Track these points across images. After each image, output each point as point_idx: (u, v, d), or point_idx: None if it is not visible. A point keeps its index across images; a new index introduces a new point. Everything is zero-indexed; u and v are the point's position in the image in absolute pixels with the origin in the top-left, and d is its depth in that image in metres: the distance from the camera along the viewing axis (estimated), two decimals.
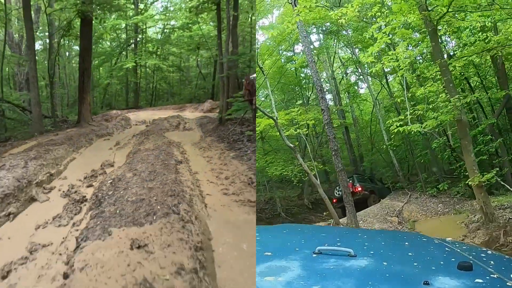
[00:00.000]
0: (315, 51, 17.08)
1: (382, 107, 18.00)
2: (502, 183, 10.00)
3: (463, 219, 9.67)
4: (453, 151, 12.13)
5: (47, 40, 12.69)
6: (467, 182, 8.43)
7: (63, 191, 4.24)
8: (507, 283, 1.31)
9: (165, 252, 2.02)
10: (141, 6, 19.45)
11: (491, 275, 1.37)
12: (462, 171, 11.41)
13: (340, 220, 9.75)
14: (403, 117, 9.39)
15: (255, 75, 5.97)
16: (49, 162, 5.26)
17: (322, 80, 22.07)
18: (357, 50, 16.42)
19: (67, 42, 15.99)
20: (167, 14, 18.61)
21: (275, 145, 18.14)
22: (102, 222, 2.74)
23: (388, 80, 15.88)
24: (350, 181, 13.15)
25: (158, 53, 20.33)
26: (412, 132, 9.98)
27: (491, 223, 7.88)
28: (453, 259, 1.59)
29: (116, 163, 5.52)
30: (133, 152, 5.94)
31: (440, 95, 8.64)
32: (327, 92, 20.34)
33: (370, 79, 17.64)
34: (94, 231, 2.58)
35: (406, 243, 2.04)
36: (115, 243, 2.26)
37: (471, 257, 1.65)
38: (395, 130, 9.19)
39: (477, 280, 1.31)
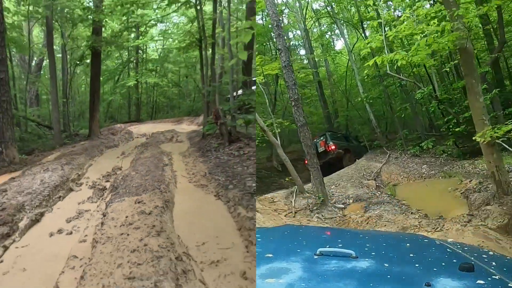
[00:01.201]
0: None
1: (358, 59, 16.96)
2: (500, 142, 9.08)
3: (455, 185, 8.65)
4: (440, 103, 11.04)
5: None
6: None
7: (89, 184, 6.63)
8: (509, 284, 1.36)
9: (150, 203, 4.42)
10: (142, 28, 22.27)
11: (493, 276, 1.42)
12: (451, 126, 10.42)
13: (307, 185, 8.96)
14: (376, 39, 8.21)
15: (221, 107, 8.40)
16: (76, 166, 7.70)
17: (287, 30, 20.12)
18: None
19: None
20: (166, 36, 21.28)
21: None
22: (118, 196, 5.14)
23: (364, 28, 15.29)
24: (323, 139, 12.76)
25: (158, 70, 23.01)
26: (395, 65, 8.36)
27: (506, 196, 6.22)
28: (454, 260, 1.64)
29: (123, 167, 7.93)
30: (135, 160, 8.37)
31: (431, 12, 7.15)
32: (301, 47, 20.23)
33: (345, 29, 17.31)
34: (115, 199, 4.97)
35: (408, 245, 2.10)
36: (127, 202, 4.66)
37: (472, 258, 1.70)
38: (365, 51, 8.61)
39: (478, 282, 1.35)
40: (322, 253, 1.62)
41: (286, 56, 8.39)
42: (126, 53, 21.47)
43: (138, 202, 4.53)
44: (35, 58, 16.95)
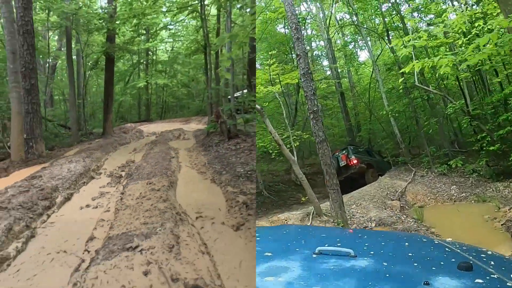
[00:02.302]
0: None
1: (383, 71, 16.87)
2: None
3: (492, 212, 7.93)
4: (472, 118, 10.64)
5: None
6: None
7: (107, 174, 8.04)
8: (507, 283, 1.42)
9: (159, 183, 5.79)
10: (152, 31, 23.85)
11: (491, 276, 1.48)
12: (485, 144, 9.90)
13: (326, 204, 8.62)
14: (413, 37, 7.79)
15: (222, 107, 9.74)
16: (94, 159, 9.15)
17: (311, 44, 20.76)
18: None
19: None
20: (175, 38, 22.84)
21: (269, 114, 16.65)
22: (133, 180, 6.52)
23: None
24: (345, 153, 12.53)
25: (167, 71, 24.56)
26: (438, 72, 7.97)
27: None
28: (453, 260, 1.73)
29: (136, 160, 9.34)
30: (146, 154, 9.78)
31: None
32: (324, 58, 20.15)
33: (369, 39, 16.78)
34: (130, 182, 6.36)
35: (406, 244, 2.18)
36: (140, 184, 6.04)
37: (471, 257, 1.80)
38: (405, 52, 7.63)
39: (477, 281, 1.41)
40: (321, 252, 1.70)
41: (305, 63, 7.84)
42: (137, 55, 23.02)
43: (149, 183, 5.91)
44: (49, 61, 18.65)
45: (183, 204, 4.90)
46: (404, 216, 8.60)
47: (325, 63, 19.91)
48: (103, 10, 11.64)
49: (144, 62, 23.20)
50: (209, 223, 4.10)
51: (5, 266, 3.55)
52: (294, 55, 17.74)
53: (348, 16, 18.28)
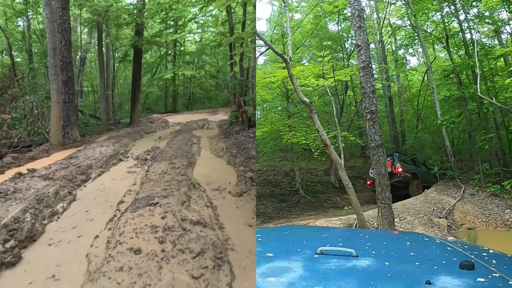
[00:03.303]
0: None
1: (441, 75, 16.35)
2: None
3: None
4: None
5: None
6: None
7: (134, 157, 9.36)
8: (509, 282, 1.49)
9: (179, 163, 7.00)
10: (180, 22, 25.27)
11: (493, 274, 1.56)
12: None
13: (367, 213, 8.51)
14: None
15: (243, 98, 10.86)
16: (123, 144, 10.53)
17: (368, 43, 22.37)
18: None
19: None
20: (204, 29, 24.14)
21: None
22: (156, 161, 7.77)
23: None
24: (390, 159, 12.27)
25: (195, 62, 25.92)
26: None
27: None
28: (455, 259, 1.79)
29: (160, 147, 10.66)
30: (170, 141, 11.07)
31: None
32: (375, 62, 19.30)
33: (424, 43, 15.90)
34: (154, 163, 7.62)
35: (408, 243, 2.33)
36: (163, 164, 7.28)
37: (473, 256, 1.88)
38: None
39: (479, 279, 1.48)
40: (323, 252, 1.78)
41: (367, 55, 7.43)
42: (164, 47, 24.52)
43: (171, 163, 7.13)
44: (79, 54, 20.49)
45: (199, 179, 6.06)
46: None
47: (374, 66, 19.86)
48: (132, 5, 13.05)
49: (172, 53, 24.60)
50: (218, 191, 5.24)
51: (55, 218, 4.82)
52: (343, 55, 18.79)
53: (400, 22, 18.35)
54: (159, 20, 15.83)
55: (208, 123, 14.75)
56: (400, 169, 12.25)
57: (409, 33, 17.97)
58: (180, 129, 13.73)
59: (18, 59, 17.96)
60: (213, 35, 18.27)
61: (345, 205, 11.83)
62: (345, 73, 12.59)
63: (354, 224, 8.00)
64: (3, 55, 18.79)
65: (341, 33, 18.31)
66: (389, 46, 20.45)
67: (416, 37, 16.80)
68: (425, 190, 11.78)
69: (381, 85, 17.99)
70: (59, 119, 9.96)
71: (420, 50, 19.29)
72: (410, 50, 20.92)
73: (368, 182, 12.48)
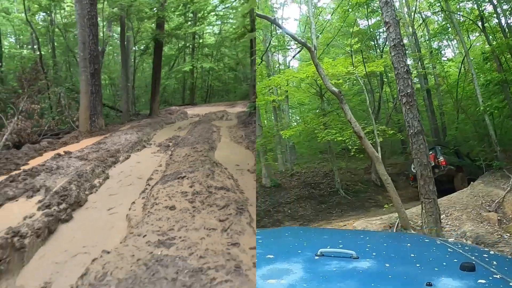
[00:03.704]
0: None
1: (479, 60, 16.18)
2: None
3: None
4: None
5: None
6: None
7: (157, 144, 10.20)
8: (510, 283, 1.52)
9: (201, 147, 7.78)
10: (199, 15, 25.98)
11: (494, 276, 1.59)
12: None
13: (410, 210, 8.11)
14: None
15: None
16: (145, 133, 11.38)
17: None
18: None
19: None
20: (224, 21, 24.80)
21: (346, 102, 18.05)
22: (179, 147, 8.57)
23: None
24: (432, 153, 12.02)
25: (214, 54, 26.56)
26: None
27: None
28: (455, 260, 1.83)
29: (181, 136, 11.48)
30: (190, 130, 11.88)
31: None
32: (409, 57, 18.77)
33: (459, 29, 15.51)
34: (177, 148, 8.42)
35: (408, 244, 2.39)
36: (185, 149, 8.07)
37: (473, 257, 1.91)
38: None
39: (480, 281, 1.51)
40: (323, 253, 1.83)
41: (396, 32, 7.07)
42: (182, 40, 25.31)
43: (193, 148, 7.91)
44: (100, 47, 21.51)
45: (220, 160, 6.83)
46: (507, 234, 7.84)
47: (409, 62, 19.89)
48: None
49: (191, 46, 25.35)
50: (238, 169, 5.99)
51: (94, 190, 5.64)
52: (376, 51, 18.31)
53: (429, 14, 18.10)
54: (178, 13, 16.64)
55: (227, 115, 15.51)
56: (443, 162, 12.06)
57: (440, 25, 17.63)
58: (200, 120, 14.54)
59: (42, 52, 19.04)
60: (233, 27, 18.93)
61: (387, 201, 11.13)
62: (378, 64, 12.42)
63: (396, 224, 7.63)
64: (27, 49, 19.90)
65: (372, 29, 18.19)
66: (422, 40, 20.20)
67: (449, 24, 16.37)
68: (471, 182, 11.40)
69: (417, 79, 17.99)
70: (87, 108, 10.87)
71: (454, 41, 19.47)
72: (445, 42, 20.53)
73: (411, 178, 12.08)
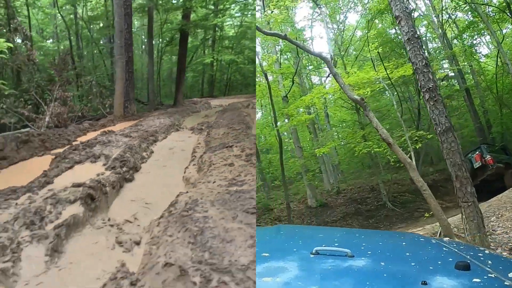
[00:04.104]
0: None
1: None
2: None
3: None
4: None
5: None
6: None
7: (188, 128, 10.79)
8: (505, 283, 1.56)
9: (238, 126, 8.33)
10: (221, 6, 26.36)
11: (489, 275, 1.62)
12: None
13: (458, 216, 7.49)
14: None
15: None
16: (176, 118, 12.00)
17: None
18: None
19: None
20: (245, 13, 25.19)
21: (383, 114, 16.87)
22: (214, 128, 9.15)
23: None
24: (478, 152, 12.22)
25: (234, 47, 26.92)
26: None
27: None
28: (450, 259, 1.87)
29: (212, 121, 12.05)
30: (219, 116, 12.46)
31: None
32: (443, 60, 18.95)
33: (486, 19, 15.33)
34: (212, 129, 8.98)
35: (404, 243, 2.46)
36: (222, 129, 8.62)
37: (468, 256, 1.96)
38: None
39: (474, 280, 1.54)
40: (318, 252, 1.86)
41: (409, 25, 6.82)
42: (203, 31, 25.83)
43: (230, 127, 8.46)
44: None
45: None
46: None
47: (445, 65, 19.42)
48: None
49: (211, 38, 25.83)
50: None
51: (144, 161, 6.22)
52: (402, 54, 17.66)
53: (459, 14, 18.04)
54: (200, 5, 17.17)
55: (252, 103, 16.05)
56: (490, 161, 11.88)
57: (469, 20, 17.59)
58: (225, 108, 15.10)
59: (66, 42, 19.81)
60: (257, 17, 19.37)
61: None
62: (407, 68, 12.07)
63: (438, 233, 7.28)
64: (54, 41, 20.72)
65: (399, 37, 17.25)
66: (455, 42, 19.85)
67: (478, 19, 16.15)
68: None
69: (456, 80, 18.03)
70: (121, 94, 11.52)
71: (488, 37, 18.96)
72: (477, 40, 19.97)
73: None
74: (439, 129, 6.31)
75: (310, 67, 24.28)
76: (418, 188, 7.12)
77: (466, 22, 18.19)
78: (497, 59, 16.94)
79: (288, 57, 22.49)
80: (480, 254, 2.11)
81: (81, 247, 2.73)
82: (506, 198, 9.35)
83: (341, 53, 17.66)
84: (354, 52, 19.62)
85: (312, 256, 1.85)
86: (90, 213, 3.34)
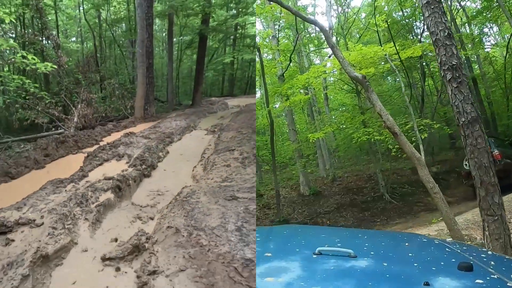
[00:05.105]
0: None
1: None
2: None
3: None
4: None
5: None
6: None
7: (205, 129, 12.25)
8: (508, 284, 1.60)
9: (245, 131, 9.74)
10: (242, 5, 27.62)
11: (492, 276, 1.69)
12: None
13: (463, 217, 7.56)
14: None
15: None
16: (192, 120, 13.49)
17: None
18: None
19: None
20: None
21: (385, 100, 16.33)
22: (225, 131, 10.57)
23: None
24: None
25: (255, 45, 28.22)
26: None
27: None
28: (453, 260, 1.95)
29: (223, 123, 13.50)
30: (233, 119, 13.90)
31: None
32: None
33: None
34: (223, 132, 10.41)
35: (406, 244, 2.54)
36: (231, 132, 10.04)
37: (471, 257, 2.02)
38: None
39: (477, 281, 1.61)
40: (321, 252, 1.94)
41: None
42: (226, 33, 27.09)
43: (238, 131, 9.86)
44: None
45: None
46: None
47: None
48: None
49: (232, 37, 27.15)
50: None
51: (160, 160, 7.69)
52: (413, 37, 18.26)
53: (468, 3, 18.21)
54: (218, 9, 18.56)
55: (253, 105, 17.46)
56: (499, 156, 11.58)
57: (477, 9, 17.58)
58: (241, 110, 16.55)
59: (90, 43, 21.59)
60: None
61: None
62: (416, 49, 11.72)
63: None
64: (77, 42, 22.56)
65: (407, 19, 18.00)
66: (463, 30, 19.94)
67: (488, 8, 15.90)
68: None
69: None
70: (142, 98, 13.12)
71: (495, 28, 19.46)
72: (485, 30, 20.40)
73: (464, 175, 11.70)
74: (463, 119, 5.19)
75: (313, 49, 24.06)
76: (426, 187, 6.42)
77: (474, 12, 18.17)
78: (507, 48, 16.78)
79: (290, 37, 22.52)
80: (483, 255, 2.19)
81: (112, 220, 4.18)
82: None
83: (344, 32, 17.59)
84: (358, 35, 19.36)
85: (314, 256, 1.94)
86: (118, 199, 4.78)
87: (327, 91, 20.39)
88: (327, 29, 7.41)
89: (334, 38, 16.05)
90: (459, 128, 5.35)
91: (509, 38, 16.55)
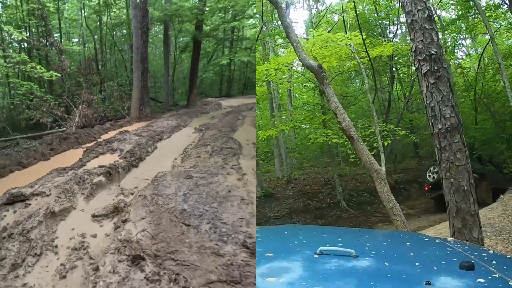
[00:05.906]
0: None
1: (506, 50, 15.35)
2: None
3: None
4: None
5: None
6: None
7: (194, 128, 13.81)
8: (509, 283, 1.64)
9: (225, 129, 11.30)
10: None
11: (493, 275, 1.72)
12: None
13: (427, 231, 7.33)
14: None
15: None
16: (183, 119, 15.06)
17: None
18: None
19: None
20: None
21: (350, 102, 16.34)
22: (209, 130, 12.12)
23: None
24: None
25: (252, 48, 29.73)
26: None
27: None
28: (454, 259, 1.97)
29: (212, 123, 15.05)
30: (221, 119, 15.45)
31: None
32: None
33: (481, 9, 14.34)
34: (206, 130, 11.96)
35: (408, 243, 2.59)
36: (213, 131, 11.58)
37: (472, 256, 2.07)
38: None
39: (479, 280, 1.64)
40: (322, 252, 1.98)
41: None
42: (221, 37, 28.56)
43: (219, 130, 11.40)
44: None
45: (237, 138, 10.32)
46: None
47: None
48: (195, 5, 17.45)
49: (230, 39, 28.68)
50: (245, 141, 9.47)
51: (148, 154, 9.25)
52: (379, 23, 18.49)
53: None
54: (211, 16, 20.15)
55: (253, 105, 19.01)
56: None
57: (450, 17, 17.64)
58: (231, 110, 18.11)
59: (91, 45, 23.24)
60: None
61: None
62: (386, 47, 11.41)
63: None
64: (78, 45, 24.22)
65: (379, 21, 18.52)
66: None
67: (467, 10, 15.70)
68: (500, 195, 10.09)
69: None
70: (137, 100, 14.75)
71: (468, 41, 20.22)
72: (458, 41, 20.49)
73: (426, 188, 11.64)
74: (440, 126, 4.32)
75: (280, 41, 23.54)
76: (385, 206, 5.90)
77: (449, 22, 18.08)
78: (480, 58, 16.74)
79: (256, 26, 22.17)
80: (485, 254, 2.23)
81: (103, 195, 5.74)
82: (484, 218, 7.80)
83: (313, 25, 18.25)
84: (329, 28, 19.19)
85: (316, 256, 1.99)
86: (108, 182, 6.35)
87: (292, 88, 20.25)
88: (282, 5, 6.58)
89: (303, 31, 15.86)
90: (434, 138, 4.43)
91: (483, 49, 16.58)
